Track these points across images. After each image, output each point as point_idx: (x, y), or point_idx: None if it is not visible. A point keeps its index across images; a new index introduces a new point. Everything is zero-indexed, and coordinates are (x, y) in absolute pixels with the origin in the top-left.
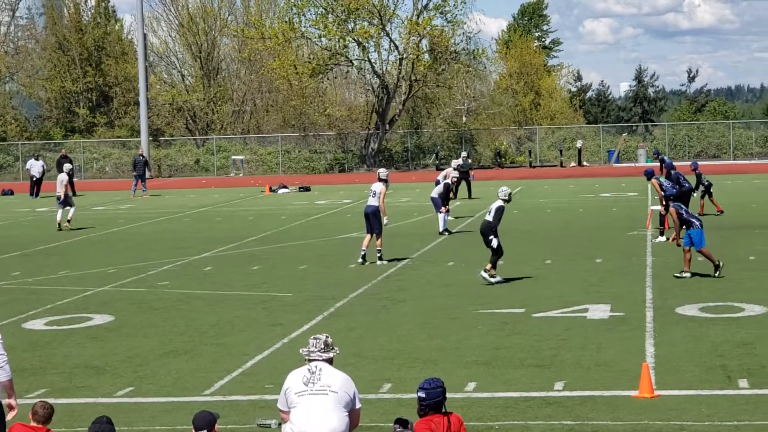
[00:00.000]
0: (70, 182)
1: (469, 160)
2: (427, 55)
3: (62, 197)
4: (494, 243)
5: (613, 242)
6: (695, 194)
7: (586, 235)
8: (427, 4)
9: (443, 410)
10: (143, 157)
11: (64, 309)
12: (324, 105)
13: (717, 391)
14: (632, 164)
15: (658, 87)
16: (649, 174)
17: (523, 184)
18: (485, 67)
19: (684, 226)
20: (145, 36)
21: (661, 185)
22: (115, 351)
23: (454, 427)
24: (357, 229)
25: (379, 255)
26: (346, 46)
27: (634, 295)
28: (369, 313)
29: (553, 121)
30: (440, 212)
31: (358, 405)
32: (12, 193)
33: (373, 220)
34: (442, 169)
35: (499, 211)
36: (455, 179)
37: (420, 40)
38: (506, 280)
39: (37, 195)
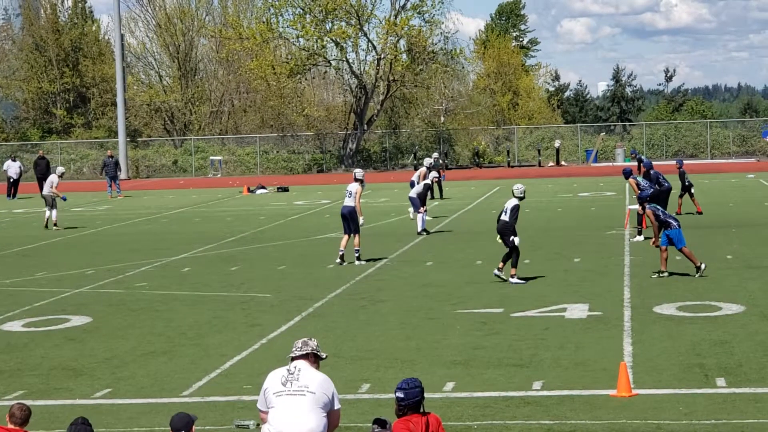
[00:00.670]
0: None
1: (440, 161)
2: (404, 55)
3: (52, 198)
4: (516, 241)
5: (591, 242)
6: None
7: (565, 234)
8: (404, 4)
9: (422, 410)
10: (113, 158)
11: (42, 310)
12: (302, 105)
13: (695, 390)
14: (610, 164)
15: (635, 86)
16: (627, 173)
17: (501, 184)
18: (463, 67)
19: (662, 227)
20: (122, 36)
21: (638, 184)
22: (92, 352)
23: (433, 427)
24: (335, 230)
25: (357, 255)
26: (324, 47)
27: (612, 295)
28: (347, 313)
29: (531, 120)
30: (419, 212)
31: (337, 405)
32: None
33: (350, 220)
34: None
35: (515, 209)
36: (436, 179)
37: (398, 40)
38: (496, 279)
39: (14, 196)
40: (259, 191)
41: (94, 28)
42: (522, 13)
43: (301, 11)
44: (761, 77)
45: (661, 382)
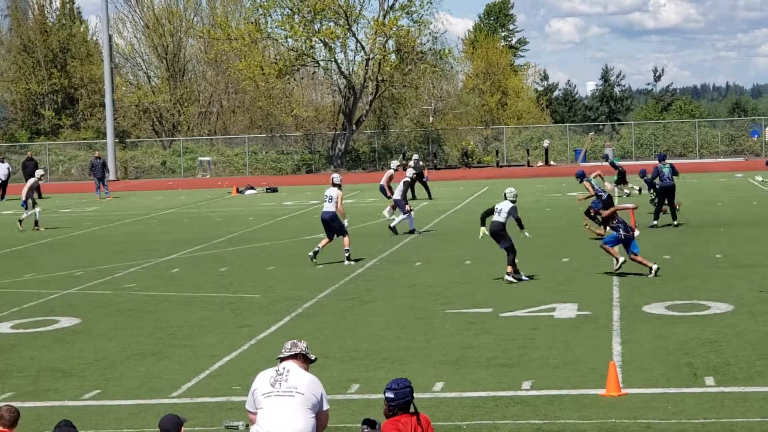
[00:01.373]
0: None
1: (421, 163)
2: (393, 56)
3: (25, 199)
4: (507, 243)
5: (580, 241)
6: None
7: (554, 234)
8: (393, 5)
9: (411, 410)
10: (100, 159)
11: (31, 312)
12: (291, 106)
13: (683, 389)
14: (599, 163)
15: (624, 86)
16: (580, 175)
17: (490, 184)
18: (452, 67)
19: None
20: (110, 37)
21: (593, 187)
22: (81, 354)
23: (422, 427)
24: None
25: (347, 255)
26: (312, 47)
27: (601, 294)
28: (336, 313)
29: (519, 120)
30: (406, 212)
31: (326, 406)
32: None
33: (332, 225)
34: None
35: (513, 210)
36: (414, 176)
37: (386, 41)
38: (529, 277)
39: (2, 198)
40: (248, 192)
41: (82, 29)
42: (510, 12)
43: (290, 12)
44: (749, 77)
45: (650, 381)
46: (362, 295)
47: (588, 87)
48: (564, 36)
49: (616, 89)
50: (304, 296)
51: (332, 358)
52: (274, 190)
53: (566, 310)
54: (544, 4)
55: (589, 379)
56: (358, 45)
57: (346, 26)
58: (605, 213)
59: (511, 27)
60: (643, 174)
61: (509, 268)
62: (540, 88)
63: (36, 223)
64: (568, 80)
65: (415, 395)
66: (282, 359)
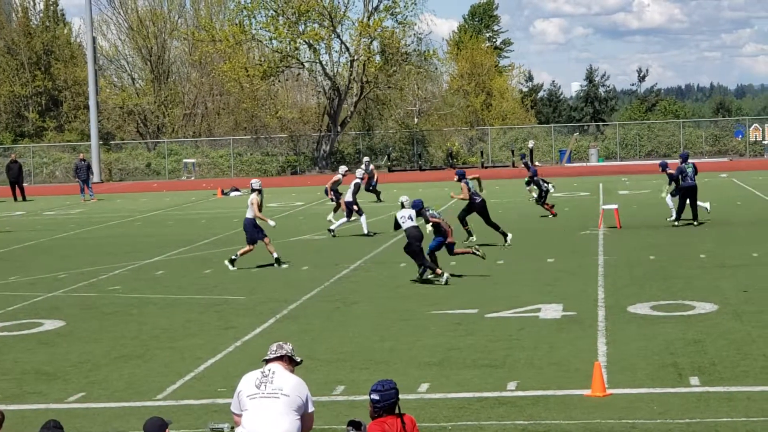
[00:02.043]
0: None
1: (371, 166)
2: (378, 57)
3: None
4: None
5: (565, 242)
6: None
7: (539, 234)
8: (377, 6)
9: (396, 411)
10: (85, 161)
11: (15, 314)
12: (275, 107)
13: (668, 389)
14: (584, 164)
15: (608, 87)
16: (461, 175)
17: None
18: (436, 68)
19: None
20: (94, 39)
21: (469, 189)
22: (66, 356)
23: (407, 429)
24: (310, 231)
25: (276, 259)
26: (297, 48)
27: (586, 295)
28: (321, 315)
29: (504, 121)
30: (349, 216)
31: (311, 408)
32: None
33: (252, 231)
34: (394, 171)
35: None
36: (366, 177)
37: (371, 42)
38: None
39: None
40: (233, 193)
41: (65, 31)
42: (495, 14)
43: (274, 13)
44: (733, 77)
45: (635, 381)
46: (347, 297)
47: (572, 88)
48: (548, 37)
49: (601, 90)
50: (289, 298)
51: (317, 360)
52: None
53: (551, 311)
54: (529, 5)
55: (574, 380)
56: (343, 46)
57: (331, 27)
58: (435, 220)
59: (495, 28)
60: (664, 166)
61: (438, 270)
62: (525, 89)
63: None
64: (553, 81)
65: (400, 396)
66: (267, 361)
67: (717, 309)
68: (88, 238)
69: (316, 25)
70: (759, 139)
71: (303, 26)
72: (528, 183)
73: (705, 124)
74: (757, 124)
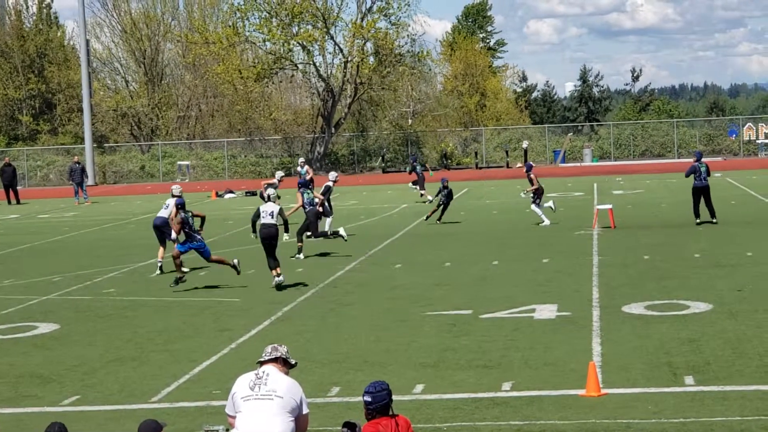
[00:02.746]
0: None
1: (306, 167)
2: (371, 58)
3: None
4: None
5: (559, 242)
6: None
7: (533, 235)
8: (371, 7)
9: (390, 413)
10: (79, 164)
11: (9, 318)
12: (269, 109)
13: (663, 389)
14: (578, 164)
15: (602, 87)
16: (302, 184)
17: (469, 186)
18: (430, 69)
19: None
20: (87, 42)
21: (302, 197)
22: (60, 359)
23: (402, 430)
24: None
25: (159, 265)
26: (290, 50)
27: (580, 295)
28: (316, 316)
29: (498, 122)
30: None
31: (305, 410)
32: None
33: (162, 231)
34: (389, 172)
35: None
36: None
37: (364, 43)
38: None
39: None
40: (227, 196)
41: (59, 34)
42: (488, 14)
43: (267, 15)
44: (727, 76)
45: (630, 381)
46: (342, 298)
47: (566, 88)
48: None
49: (595, 90)
50: (283, 300)
51: (312, 361)
52: (254, 194)
53: (546, 311)
54: (522, 5)
55: (569, 380)
56: (336, 48)
57: (324, 29)
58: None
59: (489, 28)
60: (699, 156)
61: (278, 269)
62: (519, 90)
63: None
64: (547, 81)
65: (395, 397)
66: (262, 363)
67: (711, 308)
68: (82, 241)
69: (309, 27)
70: (753, 138)
71: (296, 28)
72: (415, 183)
73: (699, 123)
74: (750, 124)
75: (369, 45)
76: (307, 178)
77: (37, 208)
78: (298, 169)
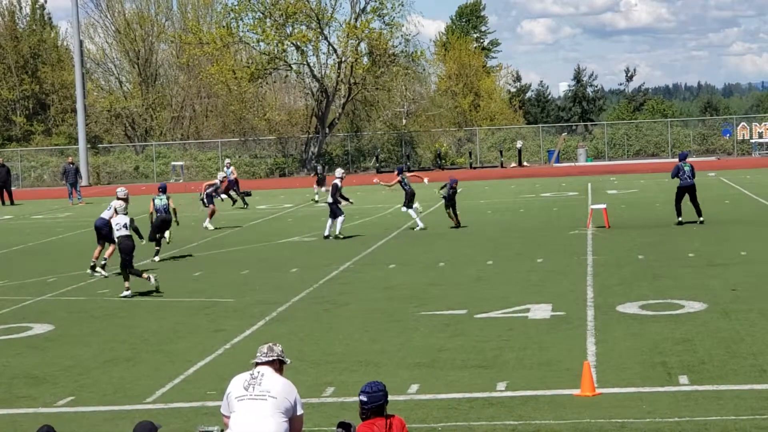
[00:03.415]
0: None
1: (232, 168)
2: (365, 58)
3: None
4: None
5: (554, 242)
6: None
7: (527, 235)
8: (365, 7)
9: (385, 413)
10: (73, 165)
11: (3, 319)
12: (263, 110)
13: (658, 388)
14: (572, 164)
15: (596, 86)
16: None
17: (463, 186)
18: (424, 69)
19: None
20: (81, 43)
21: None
22: (55, 360)
23: (396, 430)
24: (298, 233)
25: (102, 264)
26: (284, 51)
27: (575, 294)
28: (311, 317)
29: (492, 122)
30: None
31: (299, 411)
32: None
33: (103, 231)
34: (383, 172)
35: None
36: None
37: (358, 44)
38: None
39: None
40: (221, 196)
41: (52, 34)
42: (482, 14)
43: (261, 15)
44: (721, 76)
45: (625, 380)
46: (336, 298)
47: (560, 88)
48: (536, 37)
49: (589, 90)
50: (278, 300)
51: (307, 362)
52: (248, 194)
53: (540, 311)
54: (516, 5)
55: (563, 380)
56: (330, 48)
57: (318, 29)
58: None
59: (483, 28)
60: (683, 156)
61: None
62: (513, 90)
63: None
64: (541, 81)
65: (390, 398)
66: (257, 364)
67: (706, 308)
68: (76, 242)
69: (303, 27)
70: (746, 137)
71: (290, 28)
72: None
73: (693, 123)
74: (744, 123)
75: (363, 45)
76: (232, 178)
77: (31, 209)
78: (223, 171)
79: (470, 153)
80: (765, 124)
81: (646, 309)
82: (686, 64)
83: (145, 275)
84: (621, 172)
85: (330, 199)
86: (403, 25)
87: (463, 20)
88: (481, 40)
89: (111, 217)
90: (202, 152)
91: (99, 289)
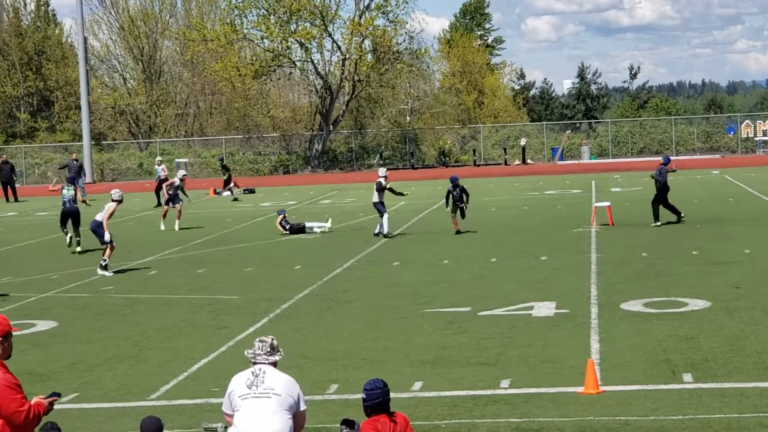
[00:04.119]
0: None
1: (161, 167)
2: (369, 56)
3: None
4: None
5: (557, 239)
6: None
7: (531, 232)
8: (369, 5)
9: (389, 410)
10: (77, 161)
11: (7, 315)
12: (267, 107)
13: (662, 386)
14: (576, 161)
15: (600, 84)
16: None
17: (467, 183)
18: (428, 67)
19: None
20: (85, 39)
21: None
22: (59, 357)
23: (400, 427)
24: (301, 231)
25: (104, 264)
26: (288, 48)
27: (579, 292)
28: (315, 314)
29: (496, 119)
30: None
31: (302, 407)
32: None
33: (97, 232)
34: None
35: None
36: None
37: (362, 41)
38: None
39: None
40: (225, 193)
41: (57, 31)
42: (486, 11)
43: (265, 12)
44: (725, 73)
45: (629, 378)
46: (340, 296)
47: (564, 85)
48: (540, 34)
49: (593, 87)
50: (282, 297)
51: (311, 359)
52: (252, 192)
53: (544, 309)
54: (520, 2)
55: (567, 377)
56: (335, 45)
57: (322, 26)
58: None
59: (487, 26)
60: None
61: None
62: (517, 87)
63: None
64: (545, 78)
65: (394, 395)
66: (255, 363)
67: (710, 306)
68: (80, 239)
69: (307, 24)
70: (750, 135)
71: (294, 25)
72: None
73: (697, 120)
74: (748, 121)
75: (367, 42)
76: (162, 176)
77: (35, 206)
78: (156, 168)
79: (474, 150)
80: None
81: (650, 307)
82: (690, 62)
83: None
84: (625, 169)
85: (375, 198)
86: (407, 23)
87: (467, 17)
88: (485, 38)
89: (106, 219)
90: (206, 149)
91: (103, 286)
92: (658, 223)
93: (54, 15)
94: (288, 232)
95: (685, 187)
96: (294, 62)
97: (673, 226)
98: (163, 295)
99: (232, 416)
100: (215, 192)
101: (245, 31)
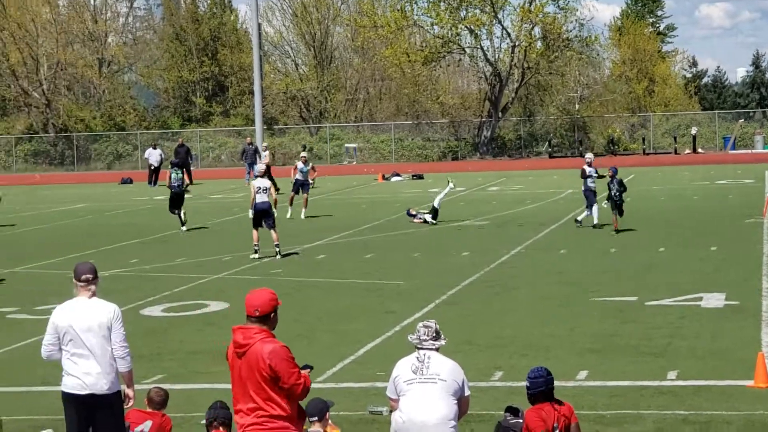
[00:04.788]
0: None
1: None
2: (539, 43)
3: None
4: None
5: (728, 230)
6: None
7: (701, 222)
8: None
9: (553, 398)
10: (252, 145)
11: (181, 296)
12: (437, 93)
13: None
14: (749, 151)
15: None
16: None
17: (636, 172)
18: (598, 54)
19: None
20: (259, 26)
21: None
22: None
23: (564, 416)
24: (470, 217)
25: (277, 250)
26: (458, 34)
27: (749, 283)
28: (481, 300)
29: (667, 108)
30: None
31: (467, 392)
32: (131, 182)
33: (266, 216)
34: (555, 157)
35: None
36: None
37: (532, 28)
38: None
39: (155, 183)
40: (393, 179)
41: (232, 17)
42: None
43: None
44: None
45: None
46: (507, 282)
47: (738, 73)
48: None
49: None
50: (448, 283)
51: (476, 345)
52: (420, 177)
53: (714, 300)
54: None
55: (736, 370)
56: (504, 32)
57: (492, 13)
58: None
59: (659, 13)
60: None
61: None
62: (688, 75)
63: None
64: (718, 66)
65: (558, 383)
66: (420, 348)
67: None
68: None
69: (477, 11)
70: None
71: (464, 12)
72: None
73: None
74: None
75: (537, 29)
76: (267, 162)
77: (210, 189)
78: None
79: (643, 139)
80: None
81: None
82: None
83: None
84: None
85: (585, 186)
86: (577, 10)
87: (639, 4)
88: (657, 25)
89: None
90: (375, 135)
91: (272, 269)
92: None
93: (229, 2)
94: (434, 222)
95: None
96: (463, 49)
97: None
98: (331, 279)
99: (397, 401)
100: (384, 177)
101: (415, 17)
